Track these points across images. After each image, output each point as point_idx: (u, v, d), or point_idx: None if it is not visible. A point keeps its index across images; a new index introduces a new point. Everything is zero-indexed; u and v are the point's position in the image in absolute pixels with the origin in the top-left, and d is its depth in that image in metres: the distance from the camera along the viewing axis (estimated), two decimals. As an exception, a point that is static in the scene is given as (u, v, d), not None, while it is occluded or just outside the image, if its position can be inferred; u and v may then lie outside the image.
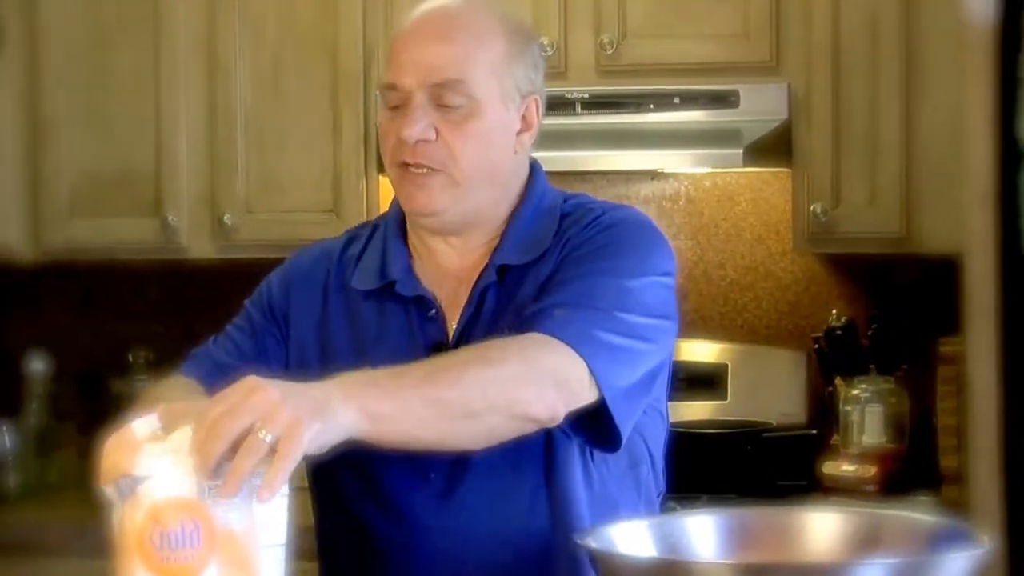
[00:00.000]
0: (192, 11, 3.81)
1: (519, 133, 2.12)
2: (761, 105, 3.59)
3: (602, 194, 3.82)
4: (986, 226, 3.17)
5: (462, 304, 2.10)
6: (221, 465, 1.58)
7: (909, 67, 3.52)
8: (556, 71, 3.59)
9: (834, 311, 3.77)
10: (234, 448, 1.58)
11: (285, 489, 1.61)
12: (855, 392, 3.65)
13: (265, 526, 1.60)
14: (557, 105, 3.55)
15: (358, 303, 2.15)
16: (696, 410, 3.83)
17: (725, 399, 3.88)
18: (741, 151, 3.54)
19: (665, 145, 3.65)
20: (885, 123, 3.54)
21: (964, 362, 3.25)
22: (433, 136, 2.05)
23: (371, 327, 2.13)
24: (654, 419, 2.15)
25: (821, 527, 1.70)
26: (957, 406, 3.38)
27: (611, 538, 1.64)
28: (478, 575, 2.07)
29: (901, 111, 3.53)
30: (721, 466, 3.62)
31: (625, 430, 1.99)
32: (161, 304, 4.14)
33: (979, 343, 3.19)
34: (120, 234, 3.86)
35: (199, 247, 3.85)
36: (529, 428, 1.91)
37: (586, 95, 3.64)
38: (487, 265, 2.11)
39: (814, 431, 3.75)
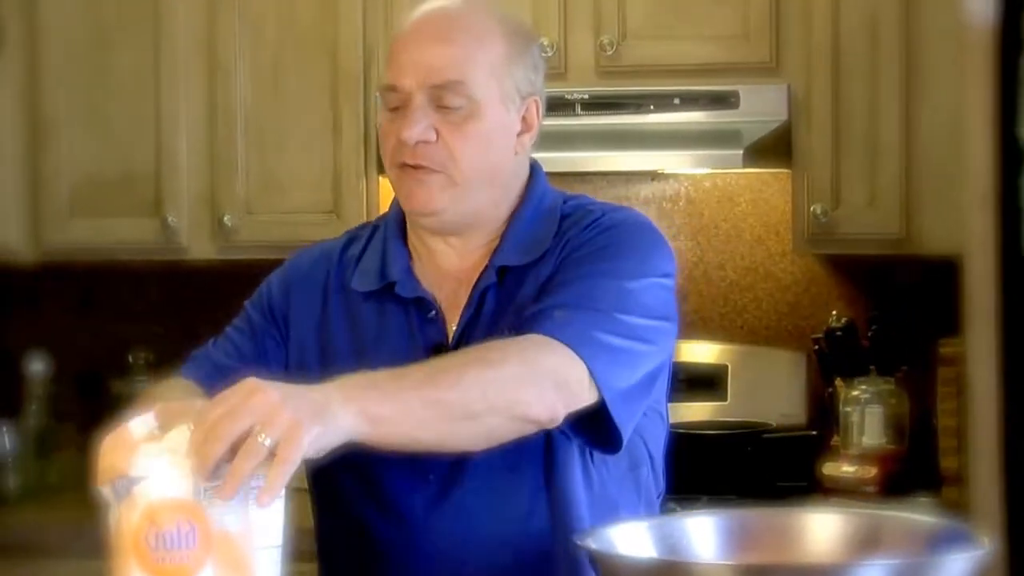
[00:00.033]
0: (192, 11, 3.81)
1: (519, 134, 2.12)
2: (761, 106, 3.59)
3: (602, 195, 3.82)
4: (986, 227, 3.17)
5: (462, 305, 2.10)
6: (219, 467, 1.58)
7: (909, 68, 3.52)
8: (556, 72, 3.59)
9: (834, 312, 3.77)
10: (233, 450, 1.58)
11: (282, 491, 1.61)
12: (855, 393, 3.65)
13: (261, 528, 1.60)
14: (557, 106, 3.55)
15: (358, 304, 2.15)
16: (696, 411, 3.83)
17: (725, 400, 3.87)
18: (741, 152, 3.54)
19: (665, 146, 3.65)
20: (885, 124, 3.54)
21: (964, 363, 3.25)
22: (433, 137, 2.05)
23: (371, 328, 2.13)
24: (654, 420, 2.15)
25: (821, 528, 1.70)
26: (957, 407, 3.38)
27: (611, 539, 1.64)
28: (478, 576, 2.07)
29: (901, 112, 3.53)
30: (721, 467, 3.62)
31: (625, 432, 1.99)
32: (161, 305, 4.14)
33: (979, 344, 3.19)
34: (120, 235, 3.86)
35: (199, 248, 3.85)
36: (529, 429, 1.91)
37: (586, 96, 3.64)
38: (487, 266, 2.11)
39: (814, 432, 3.75)
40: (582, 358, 1.92)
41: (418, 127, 2.04)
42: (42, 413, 3.92)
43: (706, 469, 3.56)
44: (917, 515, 1.73)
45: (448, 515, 2.07)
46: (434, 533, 2.07)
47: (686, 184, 4.00)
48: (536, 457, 2.05)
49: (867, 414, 3.63)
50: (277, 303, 2.19)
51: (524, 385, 1.87)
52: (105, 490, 1.61)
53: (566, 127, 3.58)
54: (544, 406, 1.88)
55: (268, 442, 1.59)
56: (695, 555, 1.67)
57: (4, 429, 3.85)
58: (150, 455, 1.59)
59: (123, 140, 3.84)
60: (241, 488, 1.57)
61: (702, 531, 1.70)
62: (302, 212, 3.76)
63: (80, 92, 3.86)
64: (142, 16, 3.82)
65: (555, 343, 1.92)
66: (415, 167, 2.06)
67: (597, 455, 2.08)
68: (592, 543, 1.61)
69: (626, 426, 1.99)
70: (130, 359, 3.98)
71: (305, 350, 2.16)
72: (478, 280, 2.10)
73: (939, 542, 1.59)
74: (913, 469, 3.59)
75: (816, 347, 3.76)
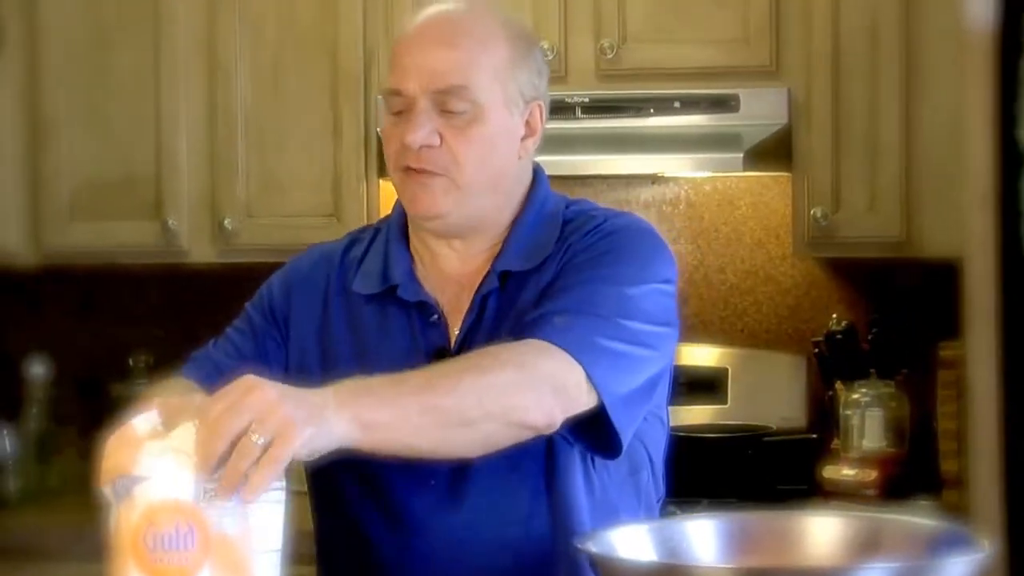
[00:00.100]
0: (192, 11, 3.81)
1: (523, 138, 2.11)
2: (761, 109, 3.59)
3: (602, 198, 3.82)
4: (986, 229, 3.16)
5: (464, 310, 2.10)
6: (221, 464, 1.58)
7: (909, 70, 3.52)
8: (556, 75, 3.59)
9: (834, 315, 3.77)
10: (234, 447, 1.58)
11: (281, 495, 1.61)
12: (855, 396, 3.65)
13: (260, 531, 1.60)
14: (557, 109, 3.51)
15: (359, 306, 2.15)
16: (696, 414, 3.83)
17: (725, 403, 3.87)
18: (741, 155, 3.54)
19: (665, 149, 3.65)
20: (885, 127, 3.54)
21: (964, 366, 3.25)
22: (437, 141, 2.05)
23: (372, 331, 2.13)
24: (654, 425, 2.15)
25: (821, 531, 1.70)
26: (957, 410, 3.37)
27: (611, 542, 1.64)
28: (477, 580, 2.07)
29: (901, 115, 3.53)
30: (721, 470, 3.61)
31: (626, 437, 1.99)
32: (161, 308, 4.13)
33: (979, 347, 3.19)
34: (120, 238, 3.86)
35: (199, 251, 3.84)
36: (526, 435, 1.90)
37: (586, 99, 3.63)
38: (489, 271, 2.11)
39: (814, 435, 3.75)
40: (580, 363, 1.92)
41: (422, 131, 2.04)
42: (42, 416, 3.92)
43: (706, 472, 3.56)
44: (917, 518, 1.73)
45: (449, 518, 2.07)
46: (434, 536, 2.07)
47: (686, 187, 4.00)
48: (537, 461, 2.05)
49: (867, 417, 3.63)
50: (278, 305, 2.19)
51: (521, 391, 1.87)
52: (107, 490, 1.61)
53: (566, 130, 3.58)
54: (541, 411, 1.88)
55: (261, 441, 1.59)
56: (695, 558, 1.67)
57: (4, 432, 3.85)
58: (154, 454, 1.59)
59: (123, 141, 3.84)
60: (238, 487, 1.57)
61: (702, 534, 1.70)
62: (302, 215, 3.76)
63: (80, 93, 3.86)
64: (142, 16, 3.82)
65: (553, 348, 1.92)
66: (419, 171, 2.06)
67: (598, 460, 2.08)
68: (592, 546, 1.61)
69: (626, 431, 1.99)
70: (130, 362, 3.98)
71: (306, 352, 2.16)
72: (480, 285, 2.10)
73: (939, 545, 1.59)
74: (913, 472, 3.59)
75: (816, 350, 3.76)
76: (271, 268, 2.26)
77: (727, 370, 3.88)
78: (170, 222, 3.82)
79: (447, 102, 2.04)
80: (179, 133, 3.82)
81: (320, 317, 2.16)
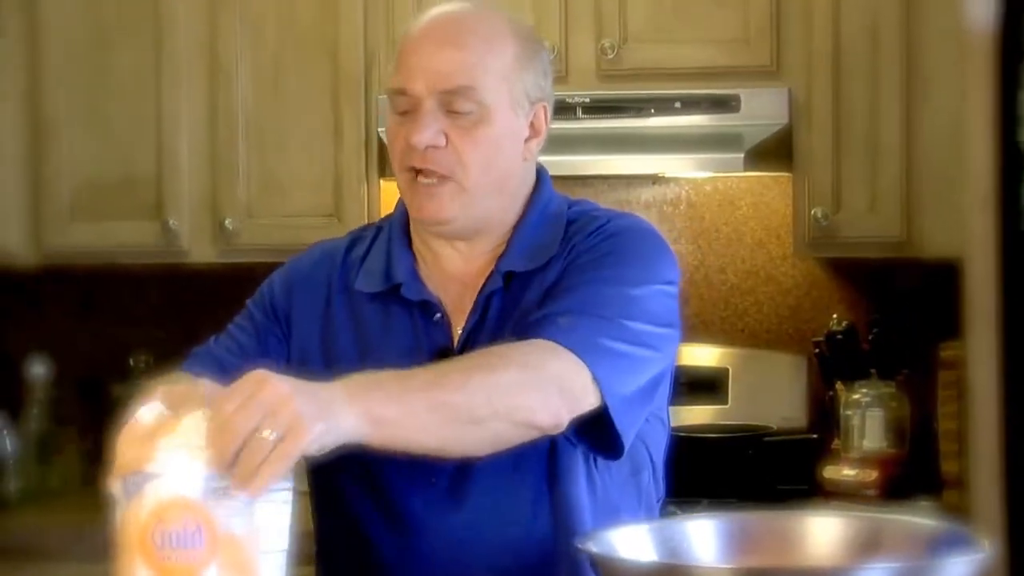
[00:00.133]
0: (193, 12, 3.81)
1: (527, 140, 2.11)
2: (762, 109, 3.59)
3: (603, 199, 3.82)
4: (987, 230, 3.17)
5: (467, 310, 2.10)
6: (234, 462, 1.58)
7: (910, 71, 3.52)
8: (557, 75, 3.54)
9: (835, 315, 3.77)
10: (246, 444, 1.59)
11: (288, 496, 1.61)
12: (856, 396, 3.65)
13: (267, 532, 1.60)
14: (558, 109, 3.46)
15: (362, 305, 2.14)
16: (697, 414, 3.83)
17: (726, 403, 3.87)
18: (742, 155, 3.54)
19: (666, 149, 3.65)
20: (886, 127, 3.54)
21: (965, 367, 3.25)
22: (443, 142, 2.05)
23: (375, 329, 2.13)
24: (656, 426, 2.15)
25: (822, 531, 1.70)
26: (958, 411, 3.37)
27: (612, 542, 1.64)
28: (479, 580, 2.07)
29: (902, 115, 3.53)
30: (722, 470, 3.61)
31: (627, 438, 1.99)
32: (162, 308, 4.13)
33: (980, 347, 3.19)
34: (121, 238, 3.86)
35: (200, 251, 3.84)
36: (533, 435, 1.91)
37: (587, 99, 3.63)
38: (493, 271, 2.11)
39: (815, 435, 3.75)
40: (586, 364, 1.92)
41: (428, 132, 2.04)
42: (43, 416, 3.92)
43: (707, 472, 3.56)
44: (918, 519, 1.73)
45: (451, 518, 2.06)
46: (436, 536, 2.07)
47: (687, 188, 4.00)
48: (540, 461, 2.05)
49: (868, 417, 3.63)
50: (279, 302, 2.19)
51: (529, 391, 1.87)
52: (116, 487, 1.61)
53: (567, 131, 3.57)
54: (549, 412, 1.88)
55: (273, 436, 1.59)
56: (696, 558, 1.67)
57: (5, 432, 3.85)
58: (166, 449, 1.59)
59: (124, 142, 3.84)
60: (249, 483, 1.58)
61: (703, 534, 1.70)
62: (303, 216, 3.76)
63: (80, 93, 3.86)
64: (142, 17, 3.82)
65: (560, 349, 1.92)
66: (425, 177, 2.05)
67: (600, 460, 2.08)
68: (593, 546, 1.61)
69: (628, 432, 1.99)
70: (131, 363, 3.98)
71: (308, 349, 2.16)
72: (484, 285, 2.10)
73: (940, 546, 1.59)
74: (914, 473, 3.59)
75: (817, 350, 3.76)
76: (271, 268, 2.25)
77: (728, 370, 3.88)
78: (171, 222, 3.82)
79: (453, 103, 2.04)
80: (180, 133, 3.82)
81: (322, 315, 2.16)
